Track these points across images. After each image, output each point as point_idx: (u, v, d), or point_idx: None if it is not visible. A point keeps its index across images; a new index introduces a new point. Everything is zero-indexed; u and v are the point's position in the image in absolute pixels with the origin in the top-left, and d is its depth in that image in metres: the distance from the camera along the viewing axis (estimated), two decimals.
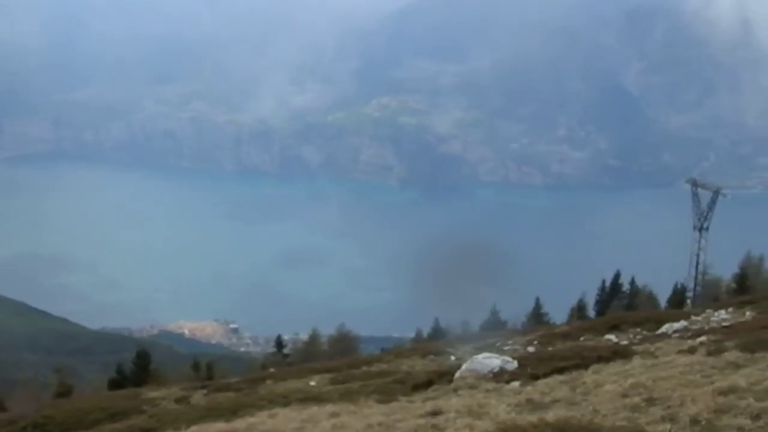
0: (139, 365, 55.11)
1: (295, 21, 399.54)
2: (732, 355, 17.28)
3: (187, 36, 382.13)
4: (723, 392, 12.92)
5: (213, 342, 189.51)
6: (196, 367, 58.06)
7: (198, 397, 30.19)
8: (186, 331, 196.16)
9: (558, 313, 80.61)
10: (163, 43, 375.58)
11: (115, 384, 51.81)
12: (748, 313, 32.69)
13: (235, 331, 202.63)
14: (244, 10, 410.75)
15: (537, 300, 79.04)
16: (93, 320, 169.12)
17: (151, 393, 32.93)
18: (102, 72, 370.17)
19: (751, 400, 12.17)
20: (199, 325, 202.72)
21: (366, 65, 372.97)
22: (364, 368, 33.02)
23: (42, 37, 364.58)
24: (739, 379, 13.77)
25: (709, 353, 18.60)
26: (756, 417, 11.50)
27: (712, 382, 13.91)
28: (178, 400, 30.01)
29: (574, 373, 18.31)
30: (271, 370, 43.99)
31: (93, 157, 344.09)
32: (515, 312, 76.84)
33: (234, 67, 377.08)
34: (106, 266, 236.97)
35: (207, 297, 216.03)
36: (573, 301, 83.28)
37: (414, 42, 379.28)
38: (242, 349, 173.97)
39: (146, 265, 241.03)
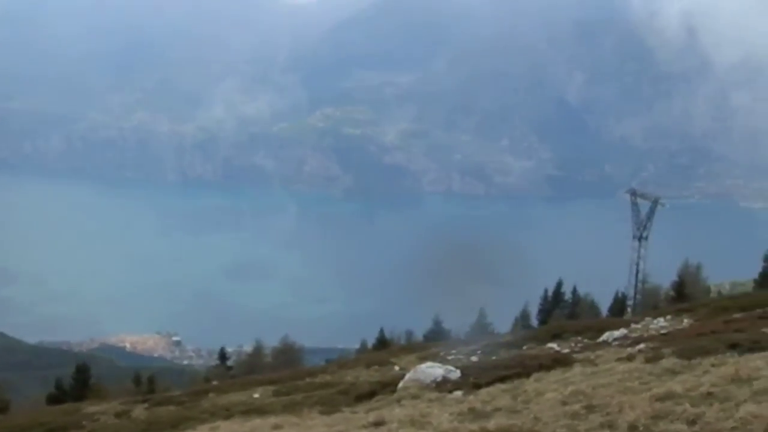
0: (78, 380, 54.15)
1: (239, 32, 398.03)
2: (669, 362, 17.56)
3: (130, 46, 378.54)
4: (660, 398, 13.10)
5: (155, 355, 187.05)
6: (137, 380, 57.23)
7: (139, 411, 29.74)
8: (127, 345, 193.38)
9: (502, 323, 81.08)
10: (106, 53, 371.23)
11: (54, 399, 50.83)
12: (685, 321, 33.27)
13: (178, 343, 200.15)
14: (188, 22, 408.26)
15: (481, 310, 79.39)
16: (32, 334, 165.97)
17: (90, 408, 32.38)
18: (42, 82, 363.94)
19: (687, 405, 12.36)
20: (141, 338, 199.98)
21: (311, 75, 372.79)
22: (308, 379, 32.85)
23: None
24: (676, 385, 13.99)
25: (648, 360, 18.87)
26: (691, 422, 11.70)
27: (649, 389, 14.10)
28: (118, 415, 29.54)
29: (516, 382, 18.44)
30: (214, 382, 43.61)
31: (33, 168, 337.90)
32: (459, 322, 77.02)
33: (178, 78, 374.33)
34: (47, 279, 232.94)
35: (149, 309, 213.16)
36: (517, 311, 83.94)
37: (359, 53, 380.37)
38: (185, 362, 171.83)
39: (88, 277, 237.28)
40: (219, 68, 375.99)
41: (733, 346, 18.90)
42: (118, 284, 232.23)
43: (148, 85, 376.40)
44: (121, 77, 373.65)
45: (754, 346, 18.62)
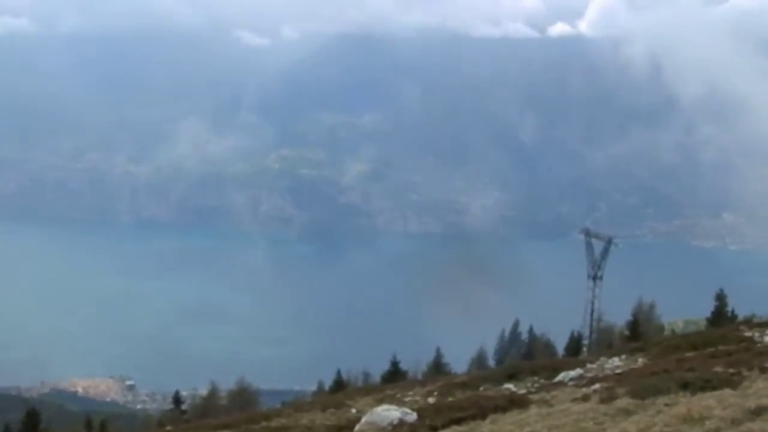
0: (28, 425, 53.15)
1: (194, 73, 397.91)
2: (623, 402, 17.71)
3: (82, 87, 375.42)
4: None
5: (108, 399, 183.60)
6: (88, 425, 56.31)
7: None
8: (79, 389, 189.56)
9: (458, 363, 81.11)
10: (57, 94, 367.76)
11: None
12: (639, 360, 33.55)
13: (131, 387, 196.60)
14: (141, 61, 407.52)
15: (437, 350, 79.42)
16: None
17: None
18: None
19: None
20: (93, 382, 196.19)
21: (267, 116, 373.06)
22: (264, 423, 32.46)
23: None
24: (630, 425, 14.13)
25: (602, 400, 19.01)
26: None
27: (604, 430, 14.22)
28: None
29: (472, 424, 18.47)
30: (168, 427, 42.97)
31: None
32: (416, 362, 76.91)
33: (131, 118, 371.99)
34: None
35: (102, 353, 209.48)
36: (473, 351, 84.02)
37: (315, 94, 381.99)
38: (138, 407, 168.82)
39: (38, 320, 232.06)
40: (173, 109, 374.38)
41: (685, 386, 19.11)
42: (70, 327, 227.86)
43: (99, 128, 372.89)
44: (72, 118, 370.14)
45: (706, 385, 18.85)
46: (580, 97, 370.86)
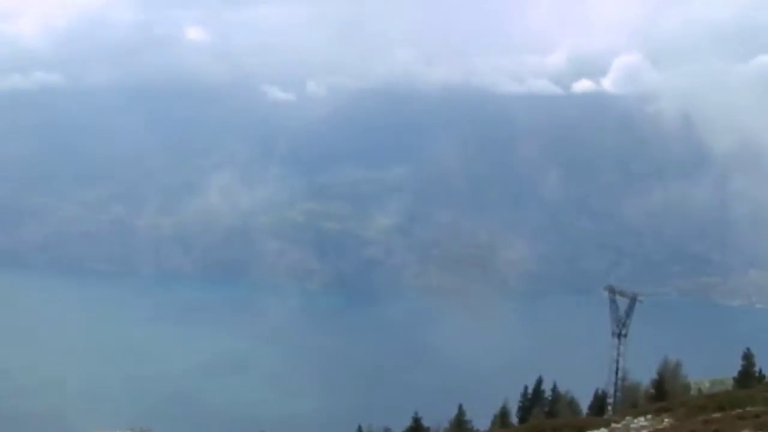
0: None
1: (220, 127, 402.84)
2: None
3: (110, 139, 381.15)
4: None
5: None
6: None
7: None
8: None
9: (481, 420, 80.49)
10: (85, 146, 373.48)
11: None
12: (665, 420, 33.29)
13: None
14: (168, 114, 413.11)
15: (460, 406, 78.84)
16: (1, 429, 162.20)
17: None
18: (15, 173, 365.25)
19: None
20: None
21: (291, 170, 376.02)
22: None
23: None
24: None
25: None
26: None
27: None
28: None
29: None
30: None
31: (7, 260, 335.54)
32: (437, 418, 76.43)
33: (156, 171, 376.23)
34: (17, 373, 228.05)
35: (122, 405, 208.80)
36: (496, 408, 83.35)
37: (339, 148, 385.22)
38: None
39: (58, 371, 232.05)
40: (198, 162, 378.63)
41: None
42: (90, 378, 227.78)
43: (125, 180, 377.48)
44: (99, 170, 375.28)
45: None
46: (605, 154, 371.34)
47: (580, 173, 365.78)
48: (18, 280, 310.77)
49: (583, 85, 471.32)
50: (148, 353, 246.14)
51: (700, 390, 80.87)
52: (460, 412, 77.89)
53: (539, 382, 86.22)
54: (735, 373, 71.79)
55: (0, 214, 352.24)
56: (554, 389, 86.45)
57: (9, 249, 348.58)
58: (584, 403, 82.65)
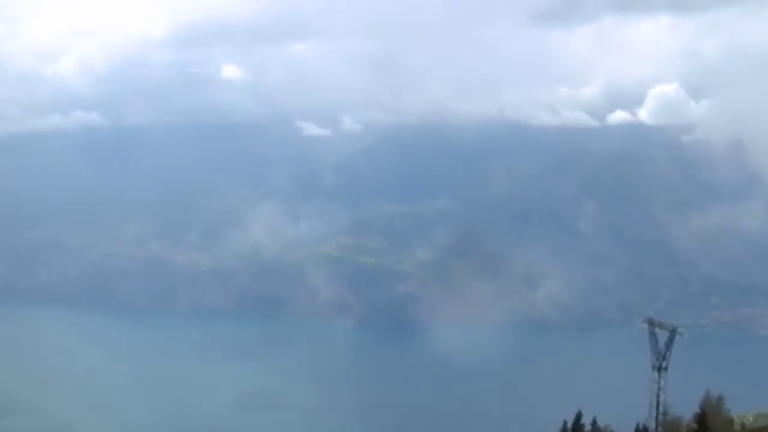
0: None
1: (255, 164, 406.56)
2: None
3: (147, 176, 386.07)
4: None
5: None
6: None
7: None
8: None
9: None
10: (124, 183, 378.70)
11: None
12: None
13: None
14: (204, 152, 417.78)
15: None
16: None
17: None
18: (56, 211, 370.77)
19: None
20: None
21: (326, 205, 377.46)
22: None
23: None
24: None
25: None
26: None
27: None
28: None
29: None
30: None
31: (47, 295, 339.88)
32: None
33: (193, 207, 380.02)
34: (56, 409, 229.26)
35: None
36: None
37: (374, 183, 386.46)
38: None
39: (94, 407, 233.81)
40: (233, 198, 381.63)
41: None
42: (126, 414, 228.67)
43: (164, 214, 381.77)
44: (137, 206, 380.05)
45: None
46: (642, 184, 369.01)
47: (617, 204, 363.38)
48: (58, 316, 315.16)
49: (618, 116, 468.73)
50: (187, 388, 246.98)
51: (743, 424, 79.64)
52: None
53: (578, 416, 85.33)
54: None
55: (42, 251, 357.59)
56: (594, 424, 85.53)
57: (51, 285, 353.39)
58: None
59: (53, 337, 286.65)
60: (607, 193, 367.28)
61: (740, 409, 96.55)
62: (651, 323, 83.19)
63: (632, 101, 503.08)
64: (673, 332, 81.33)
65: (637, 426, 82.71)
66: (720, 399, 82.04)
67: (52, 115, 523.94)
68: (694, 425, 74.29)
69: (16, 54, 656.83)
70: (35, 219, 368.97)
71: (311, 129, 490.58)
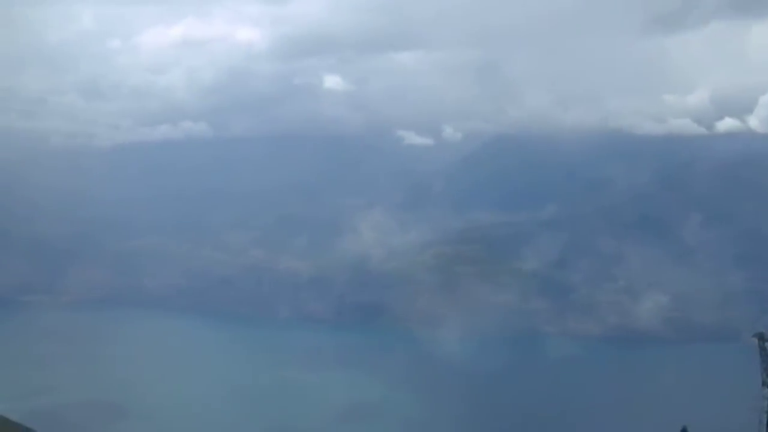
0: None
1: (354, 172, 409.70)
2: None
3: (251, 185, 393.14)
4: None
5: None
6: None
7: None
8: None
9: None
10: (227, 192, 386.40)
11: None
12: None
13: None
14: (305, 161, 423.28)
15: None
16: None
17: None
18: (164, 219, 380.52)
19: None
20: None
21: (425, 214, 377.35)
22: None
23: (107, 188, 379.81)
24: None
25: None
26: None
27: None
28: None
29: None
30: None
31: (152, 302, 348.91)
32: None
33: (294, 216, 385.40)
34: (161, 414, 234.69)
35: None
36: None
37: (474, 192, 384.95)
38: None
39: (198, 413, 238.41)
40: (334, 208, 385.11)
41: None
42: (229, 422, 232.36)
43: (266, 223, 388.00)
44: (240, 215, 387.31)
45: None
46: (752, 194, 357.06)
47: (725, 215, 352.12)
48: (163, 323, 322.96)
49: (727, 124, 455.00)
50: (286, 398, 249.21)
51: None
52: None
53: None
54: None
55: (147, 258, 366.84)
56: None
57: (155, 292, 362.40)
58: None
59: (158, 343, 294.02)
60: (714, 204, 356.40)
61: None
62: (761, 338, 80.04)
63: (742, 108, 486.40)
64: None
65: None
66: None
67: (162, 126, 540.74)
68: None
69: (130, 68, 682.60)
70: (142, 227, 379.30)
71: (412, 138, 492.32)
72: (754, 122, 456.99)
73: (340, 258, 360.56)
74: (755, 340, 79.50)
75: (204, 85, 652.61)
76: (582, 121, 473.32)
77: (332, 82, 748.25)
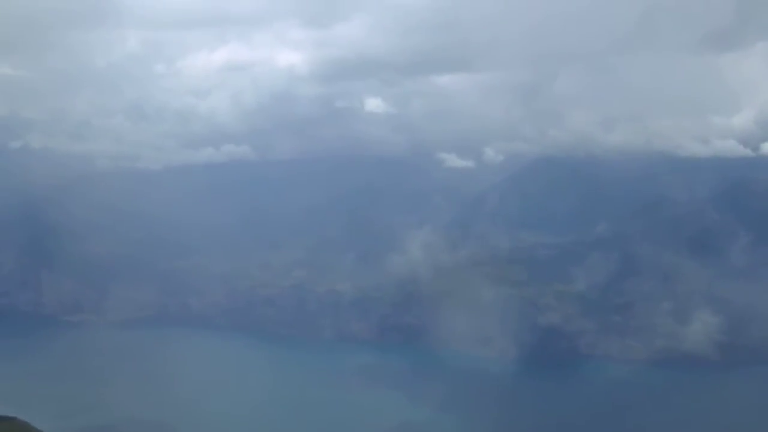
0: None
1: (394, 195, 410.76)
2: None
3: (293, 207, 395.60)
4: None
5: None
6: None
7: None
8: None
9: None
10: (270, 214, 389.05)
11: None
12: None
13: None
14: (346, 183, 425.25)
15: None
16: None
17: None
18: (209, 240, 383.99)
19: None
20: None
21: (467, 235, 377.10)
22: None
23: (152, 209, 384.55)
24: None
25: None
26: None
27: None
28: None
29: None
30: None
31: (197, 322, 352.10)
32: None
33: (335, 238, 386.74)
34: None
35: None
36: None
37: (516, 214, 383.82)
38: None
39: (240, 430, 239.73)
40: (375, 231, 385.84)
41: None
42: None
43: (308, 245, 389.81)
44: (282, 237, 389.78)
45: None
46: None
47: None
48: (207, 343, 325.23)
49: None
50: (330, 419, 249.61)
51: None
52: None
53: None
54: None
55: (193, 279, 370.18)
56: None
57: (201, 312, 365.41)
58: None
59: (203, 362, 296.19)
60: (762, 225, 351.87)
61: None
62: None
63: None
64: None
65: None
66: None
67: (205, 148, 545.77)
68: None
69: (174, 91, 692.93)
70: (186, 247, 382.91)
71: (453, 161, 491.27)
72: None
73: (382, 278, 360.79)
74: None
75: (247, 109, 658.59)
76: (625, 141, 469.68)
77: (373, 104, 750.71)
